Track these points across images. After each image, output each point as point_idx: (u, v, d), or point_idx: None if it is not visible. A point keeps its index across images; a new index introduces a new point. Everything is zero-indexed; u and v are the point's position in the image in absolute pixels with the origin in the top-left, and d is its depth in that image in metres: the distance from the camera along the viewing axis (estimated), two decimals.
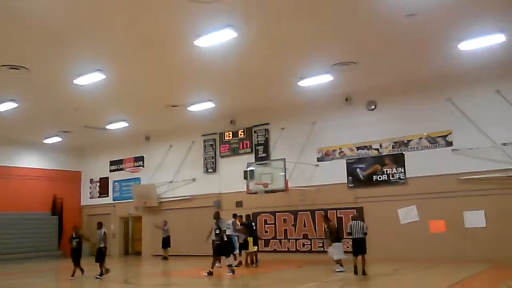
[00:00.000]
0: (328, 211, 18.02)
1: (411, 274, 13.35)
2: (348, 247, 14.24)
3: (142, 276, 16.76)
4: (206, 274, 13.76)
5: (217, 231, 14.11)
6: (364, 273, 12.56)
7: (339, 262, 13.70)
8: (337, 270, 13.52)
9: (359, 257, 12.66)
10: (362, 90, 17.61)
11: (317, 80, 16.10)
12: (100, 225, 15.33)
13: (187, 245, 21.27)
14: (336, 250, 13.76)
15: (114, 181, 26.35)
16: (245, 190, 18.19)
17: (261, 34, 12.50)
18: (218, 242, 14.04)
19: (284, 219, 19.17)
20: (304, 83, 16.32)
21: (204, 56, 13.46)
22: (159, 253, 21.81)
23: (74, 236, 14.97)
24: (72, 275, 14.38)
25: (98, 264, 14.44)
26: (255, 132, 20.70)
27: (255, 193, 17.99)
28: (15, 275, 16.73)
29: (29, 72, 14.30)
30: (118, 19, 11.26)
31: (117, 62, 14.19)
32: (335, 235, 14.10)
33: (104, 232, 14.97)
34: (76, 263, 14.57)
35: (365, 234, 12.79)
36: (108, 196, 26.58)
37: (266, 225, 19.61)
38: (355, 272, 12.63)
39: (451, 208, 15.55)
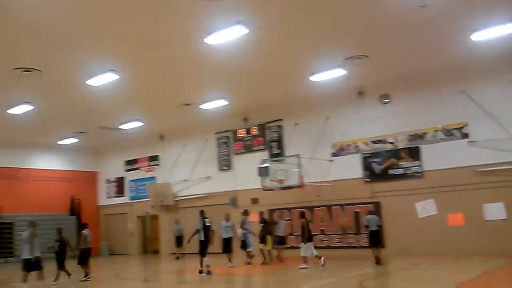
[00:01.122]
0: (345, 207, 17.94)
1: (429, 268, 13.18)
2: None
3: (162, 274, 16.86)
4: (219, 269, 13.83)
5: (199, 229, 13.90)
6: (379, 262, 13.54)
7: (305, 260, 14.02)
8: (300, 267, 13.81)
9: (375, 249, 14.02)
10: (375, 84, 17.41)
11: (329, 75, 15.95)
12: (84, 226, 15.10)
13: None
14: (305, 249, 14.05)
15: (130, 181, 26.55)
16: (260, 187, 18.16)
17: (272, 30, 12.40)
18: (201, 240, 13.85)
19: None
20: (316, 78, 16.18)
21: (215, 53, 13.42)
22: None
23: (56, 239, 14.19)
24: (55, 279, 13.64)
25: (82, 266, 14.10)
26: (268, 128, 20.63)
27: (271, 190, 17.95)
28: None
29: (42, 74, 14.40)
30: (128, 19, 11.26)
31: (129, 62, 14.22)
32: (306, 234, 14.17)
33: (84, 234, 14.51)
34: (60, 266, 13.83)
35: (380, 226, 14.33)
36: (124, 195, 26.79)
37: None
38: (377, 262, 13.81)
39: (469, 201, 15.32)
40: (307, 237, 14.15)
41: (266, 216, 18.01)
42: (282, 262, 15.84)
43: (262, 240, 15.99)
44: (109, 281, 14.52)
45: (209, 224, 14.04)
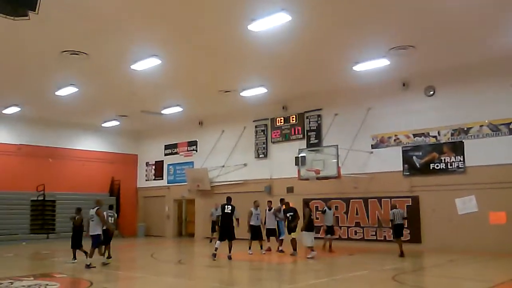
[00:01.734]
0: (382, 200, 17.69)
1: (466, 266, 12.89)
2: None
3: (195, 257, 17.15)
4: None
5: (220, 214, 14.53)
6: (402, 254, 14.17)
7: (311, 248, 14.29)
8: (308, 256, 14.03)
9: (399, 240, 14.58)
10: (420, 75, 17.00)
11: (373, 65, 15.66)
12: (109, 208, 15.46)
13: (238, 228, 21.31)
14: (306, 238, 14.39)
15: (169, 165, 27.04)
16: (296, 176, 18.12)
17: (316, 17, 12.26)
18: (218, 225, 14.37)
19: (336, 206, 18.89)
20: (359, 67, 15.93)
21: (258, 40, 13.40)
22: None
23: (71, 217, 14.00)
24: (73, 258, 13.54)
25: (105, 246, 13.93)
26: (307, 117, 20.50)
27: (307, 179, 17.88)
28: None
29: (88, 58, 14.79)
30: (172, 4, 11.38)
31: (172, 48, 14.42)
32: (306, 223, 14.44)
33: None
34: (76, 245, 13.49)
35: (405, 219, 15.07)
36: (163, 179, 27.32)
37: (317, 212, 19.46)
38: (401, 255, 14.22)
39: None
40: (306, 226, 14.42)
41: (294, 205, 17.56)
42: (332, 252, 15.72)
43: (291, 230, 15.33)
44: (144, 261, 14.86)
45: (228, 211, 14.21)
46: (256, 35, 12.89)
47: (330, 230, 16.08)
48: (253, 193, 21.01)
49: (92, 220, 12.85)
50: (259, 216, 16.28)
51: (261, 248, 16.04)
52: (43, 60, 15.32)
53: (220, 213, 14.56)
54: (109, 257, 14.06)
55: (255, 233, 16.12)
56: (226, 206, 14.36)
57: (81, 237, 13.68)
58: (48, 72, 16.59)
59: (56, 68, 16.04)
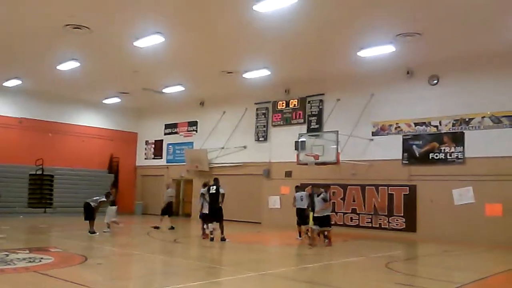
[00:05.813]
0: (379, 187, 17.70)
1: (460, 256, 12.94)
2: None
3: (191, 238, 17.22)
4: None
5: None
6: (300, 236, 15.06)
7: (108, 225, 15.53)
8: (104, 231, 14.99)
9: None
10: (425, 64, 16.86)
11: (378, 51, 15.49)
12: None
13: (236, 211, 21.37)
14: (108, 212, 15.70)
15: (168, 144, 27.01)
16: (295, 160, 18.10)
17: (323, 0, 12.09)
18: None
19: (333, 192, 18.94)
20: (364, 53, 15.75)
21: (263, 21, 13.24)
22: None
23: None
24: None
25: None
26: (309, 102, 20.40)
27: (305, 164, 17.86)
28: (71, 227, 17.62)
29: (91, 32, 14.64)
30: None
31: (176, 25, 14.25)
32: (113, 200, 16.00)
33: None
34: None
35: (308, 206, 14.72)
36: (162, 158, 27.32)
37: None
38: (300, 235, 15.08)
39: (510, 192, 14.80)
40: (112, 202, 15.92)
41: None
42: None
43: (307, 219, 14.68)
44: (140, 239, 14.90)
45: (213, 191, 14.05)
46: (262, 16, 12.72)
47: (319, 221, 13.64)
48: (252, 176, 21.10)
49: (204, 200, 14.59)
50: (303, 197, 15.10)
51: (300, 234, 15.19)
52: (45, 34, 15.16)
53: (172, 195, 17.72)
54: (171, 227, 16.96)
55: (301, 217, 15.02)
56: (211, 187, 14.26)
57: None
58: (50, 46, 16.45)
59: (58, 42, 15.89)
